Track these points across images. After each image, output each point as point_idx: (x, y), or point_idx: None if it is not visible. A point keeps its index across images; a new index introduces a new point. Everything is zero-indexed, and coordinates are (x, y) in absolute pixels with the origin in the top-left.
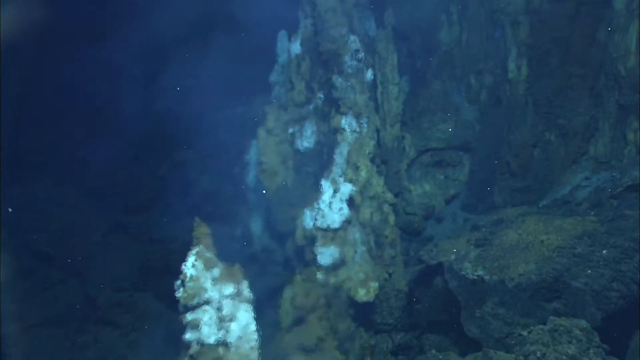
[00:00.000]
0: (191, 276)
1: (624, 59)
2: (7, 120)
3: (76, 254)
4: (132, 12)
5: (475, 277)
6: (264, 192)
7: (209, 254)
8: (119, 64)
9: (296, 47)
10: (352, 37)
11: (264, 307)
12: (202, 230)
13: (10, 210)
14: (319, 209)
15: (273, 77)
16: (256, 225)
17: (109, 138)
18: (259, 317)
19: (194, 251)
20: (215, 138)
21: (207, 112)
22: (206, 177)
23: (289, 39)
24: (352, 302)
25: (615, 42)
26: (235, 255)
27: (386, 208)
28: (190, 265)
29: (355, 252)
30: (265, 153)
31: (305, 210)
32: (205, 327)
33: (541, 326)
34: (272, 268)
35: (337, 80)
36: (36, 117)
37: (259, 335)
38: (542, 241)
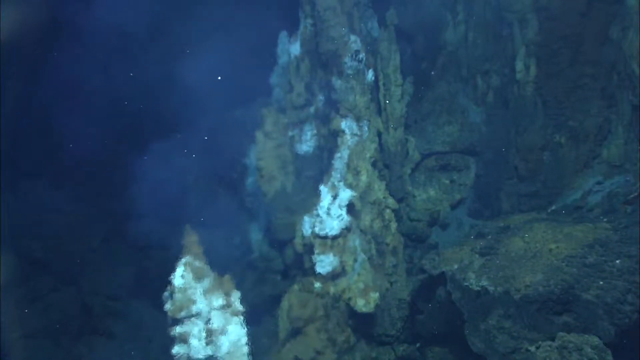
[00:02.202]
0: (179, 287)
1: (638, 57)
2: (2, 124)
3: (71, 261)
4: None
5: (479, 288)
6: (263, 197)
7: (198, 264)
8: (116, 66)
9: (295, 48)
10: (353, 37)
11: (262, 318)
12: (192, 238)
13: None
14: (317, 215)
15: (273, 78)
16: (255, 232)
17: (106, 143)
18: (256, 328)
19: (182, 261)
20: (213, 141)
21: (204, 115)
22: (203, 182)
23: (289, 40)
24: (352, 313)
25: (629, 40)
26: (233, 263)
27: (388, 214)
28: (179, 276)
29: (355, 260)
30: (263, 157)
31: (304, 216)
32: (194, 341)
33: (549, 342)
34: (271, 276)
35: (337, 82)
36: (32, 121)
37: (251, 350)
38: (550, 250)
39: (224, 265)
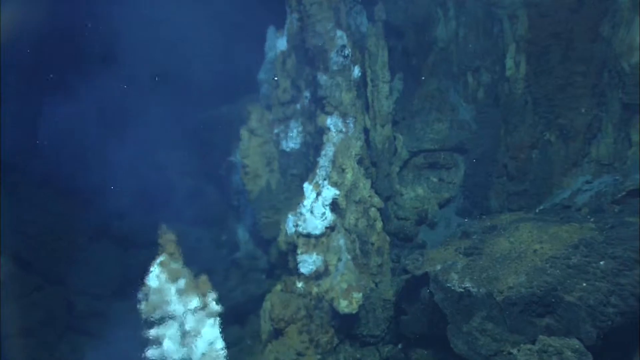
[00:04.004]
0: (154, 288)
1: (628, 55)
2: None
3: (57, 260)
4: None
5: (462, 290)
6: (248, 195)
7: (174, 264)
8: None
9: (282, 43)
10: (339, 33)
11: (247, 318)
12: (168, 237)
13: None
14: (301, 214)
15: (261, 74)
16: (242, 231)
17: (93, 140)
18: (240, 329)
19: (157, 261)
20: (199, 138)
21: (192, 111)
22: (190, 179)
23: (276, 35)
24: (336, 313)
25: (619, 37)
26: (218, 262)
27: (373, 213)
28: (154, 276)
29: (339, 260)
30: (248, 155)
31: (288, 215)
32: (168, 343)
33: (529, 346)
34: (256, 275)
35: (322, 78)
36: (17, 117)
37: (226, 352)
38: (535, 250)
39: (209, 263)
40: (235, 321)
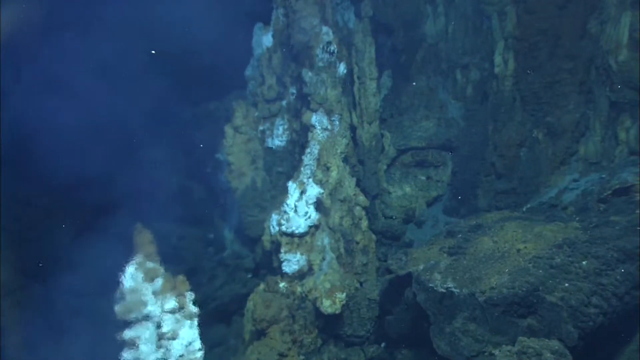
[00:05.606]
0: (129, 288)
1: (615, 52)
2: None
3: (40, 257)
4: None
5: (444, 290)
6: (233, 193)
7: (151, 264)
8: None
9: (268, 39)
10: (325, 29)
11: (232, 318)
12: (144, 237)
13: None
14: (284, 212)
15: (248, 71)
16: (229, 229)
17: (79, 134)
18: (226, 329)
19: (133, 260)
20: (185, 135)
21: (178, 108)
22: (176, 177)
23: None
24: (320, 313)
25: (606, 34)
26: (204, 261)
27: (358, 212)
28: (129, 277)
29: (323, 259)
30: (233, 152)
31: (272, 213)
32: (144, 345)
33: (509, 347)
34: (241, 275)
35: (307, 75)
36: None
37: (205, 354)
38: (518, 250)
39: (195, 262)
40: (221, 321)
